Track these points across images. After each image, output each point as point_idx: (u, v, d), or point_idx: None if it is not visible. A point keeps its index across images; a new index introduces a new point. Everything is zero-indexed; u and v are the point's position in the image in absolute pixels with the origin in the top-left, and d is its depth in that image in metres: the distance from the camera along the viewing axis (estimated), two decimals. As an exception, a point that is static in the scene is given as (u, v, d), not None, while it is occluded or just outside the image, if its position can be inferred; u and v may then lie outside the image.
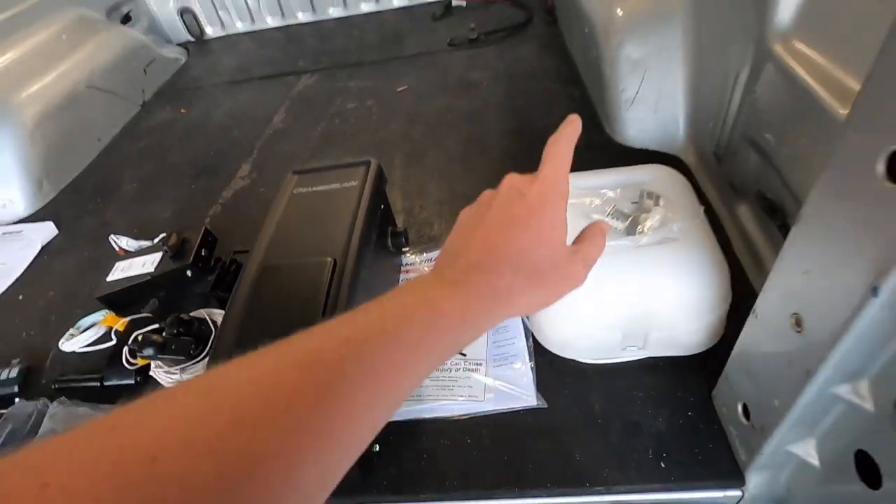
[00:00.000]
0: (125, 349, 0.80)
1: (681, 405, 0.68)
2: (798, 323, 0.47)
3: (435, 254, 0.96)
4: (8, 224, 1.30)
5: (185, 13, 2.21)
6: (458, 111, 1.39)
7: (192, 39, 2.26)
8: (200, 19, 2.23)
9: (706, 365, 0.70)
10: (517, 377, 0.73)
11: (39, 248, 1.20)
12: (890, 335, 0.40)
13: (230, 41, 2.23)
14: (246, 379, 0.26)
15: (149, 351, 0.74)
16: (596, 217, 0.70)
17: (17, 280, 1.12)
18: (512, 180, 0.43)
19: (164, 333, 0.77)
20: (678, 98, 1.09)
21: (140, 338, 0.75)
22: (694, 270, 0.65)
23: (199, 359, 0.78)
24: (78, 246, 1.19)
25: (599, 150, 1.15)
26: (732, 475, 0.61)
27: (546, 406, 0.70)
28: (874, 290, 0.37)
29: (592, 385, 0.72)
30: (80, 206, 1.32)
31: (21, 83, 1.42)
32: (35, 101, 1.40)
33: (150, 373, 0.80)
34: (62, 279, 1.11)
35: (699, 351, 0.71)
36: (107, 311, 0.95)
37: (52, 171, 1.40)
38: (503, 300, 0.35)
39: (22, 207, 1.34)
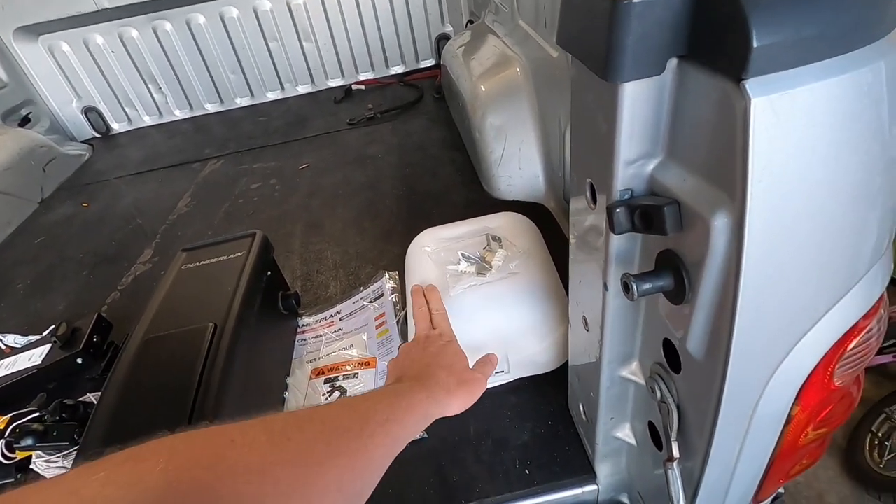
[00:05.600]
0: (1, 444, 0.78)
1: (542, 417, 0.77)
2: (586, 323, 0.58)
3: (328, 313, 1.03)
4: None
5: (89, 112, 2.26)
6: (354, 182, 1.52)
7: (98, 135, 2.29)
8: (106, 116, 2.28)
9: (561, 380, 0.80)
10: (400, 414, 0.79)
11: (-87, 357, 1.13)
12: (633, 322, 0.52)
13: (138, 134, 2.28)
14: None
15: (28, 441, 0.74)
16: (450, 268, 0.81)
17: None
18: (423, 332, 0.66)
19: (45, 421, 0.77)
20: (535, 157, 1.27)
21: (17, 429, 0.75)
22: (531, 299, 0.76)
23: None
24: (-40, 350, 1.14)
25: (478, 205, 1.29)
26: (585, 470, 0.70)
27: (426, 436, 0.76)
28: (605, 286, 0.49)
29: (467, 410, 0.79)
30: (-35, 310, 1.27)
31: None
32: (-83, 207, 1.37)
33: (32, 465, 0.78)
34: (-61, 387, 1.05)
35: (554, 367, 0.81)
36: (-15, 411, 0.92)
37: (-65, 277, 1.34)
38: (441, 398, 0.53)
39: None
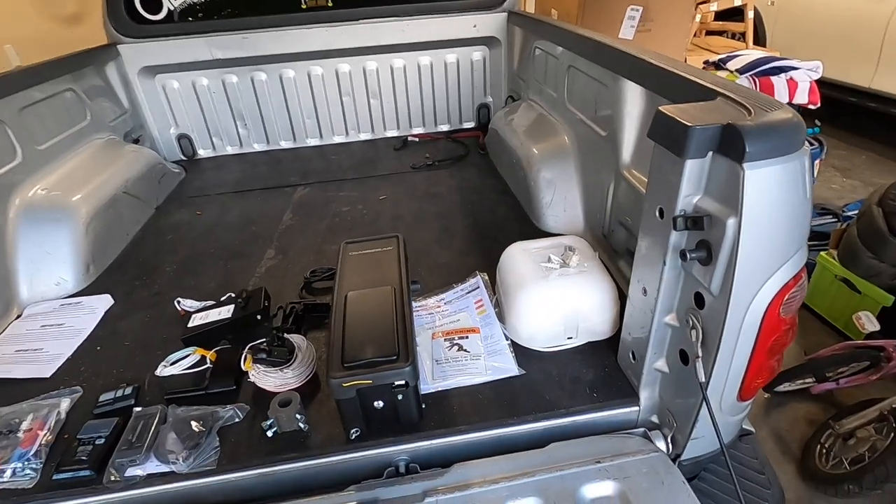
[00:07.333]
0: (245, 352, 1.12)
1: (601, 365, 1.16)
2: (644, 291, 0.99)
3: (434, 299, 1.41)
4: (62, 298, 1.55)
5: (181, 138, 2.67)
6: (429, 212, 1.94)
7: (184, 158, 2.68)
8: (195, 143, 2.69)
9: (612, 345, 1.20)
10: (504, 360, 1.18)
11: (103, 313, 1.47)
12: (675, 286, 0.93)
13: (219, 161, 2.68)
14: None
15: (261, 355, 1.09)
16: (543, 264, 1.23)
17: (89, 337, 1.38)
18: None
19: (265, 346, 1.13)
20: (577, 203, 1.72)
21: (252, 349, 1.11)
22: (596, 285, 1.18)
23: (289, 364, 1.13)
24: (136, 311, 1.48)
25: (530, 235, 1.70)
26: (631, 396, 1.08)
27: (524, 372, 1.14)
28: (664, 262, 0.91)
29: (549, 361, 1.18)
30: (128, 284, 1.61)
31: (74, 188, 1.75)
32: (87, 202, 1.73)
33: (250, 378, 1.13)
34: (133, 333, 1.38)
35: (608, 336, 1.21)
36: (194, 347, 1.26)
37: (96, 257, 1.68)
38: None
39: (71, 285, 1.59)
